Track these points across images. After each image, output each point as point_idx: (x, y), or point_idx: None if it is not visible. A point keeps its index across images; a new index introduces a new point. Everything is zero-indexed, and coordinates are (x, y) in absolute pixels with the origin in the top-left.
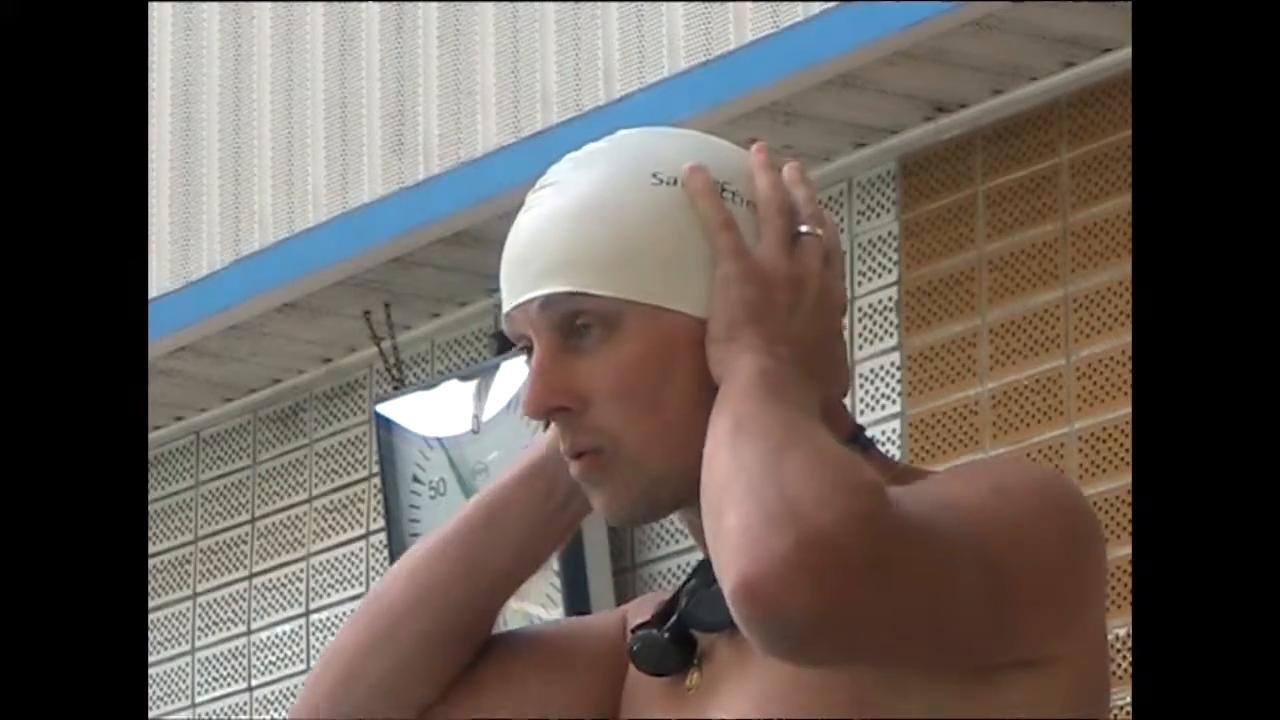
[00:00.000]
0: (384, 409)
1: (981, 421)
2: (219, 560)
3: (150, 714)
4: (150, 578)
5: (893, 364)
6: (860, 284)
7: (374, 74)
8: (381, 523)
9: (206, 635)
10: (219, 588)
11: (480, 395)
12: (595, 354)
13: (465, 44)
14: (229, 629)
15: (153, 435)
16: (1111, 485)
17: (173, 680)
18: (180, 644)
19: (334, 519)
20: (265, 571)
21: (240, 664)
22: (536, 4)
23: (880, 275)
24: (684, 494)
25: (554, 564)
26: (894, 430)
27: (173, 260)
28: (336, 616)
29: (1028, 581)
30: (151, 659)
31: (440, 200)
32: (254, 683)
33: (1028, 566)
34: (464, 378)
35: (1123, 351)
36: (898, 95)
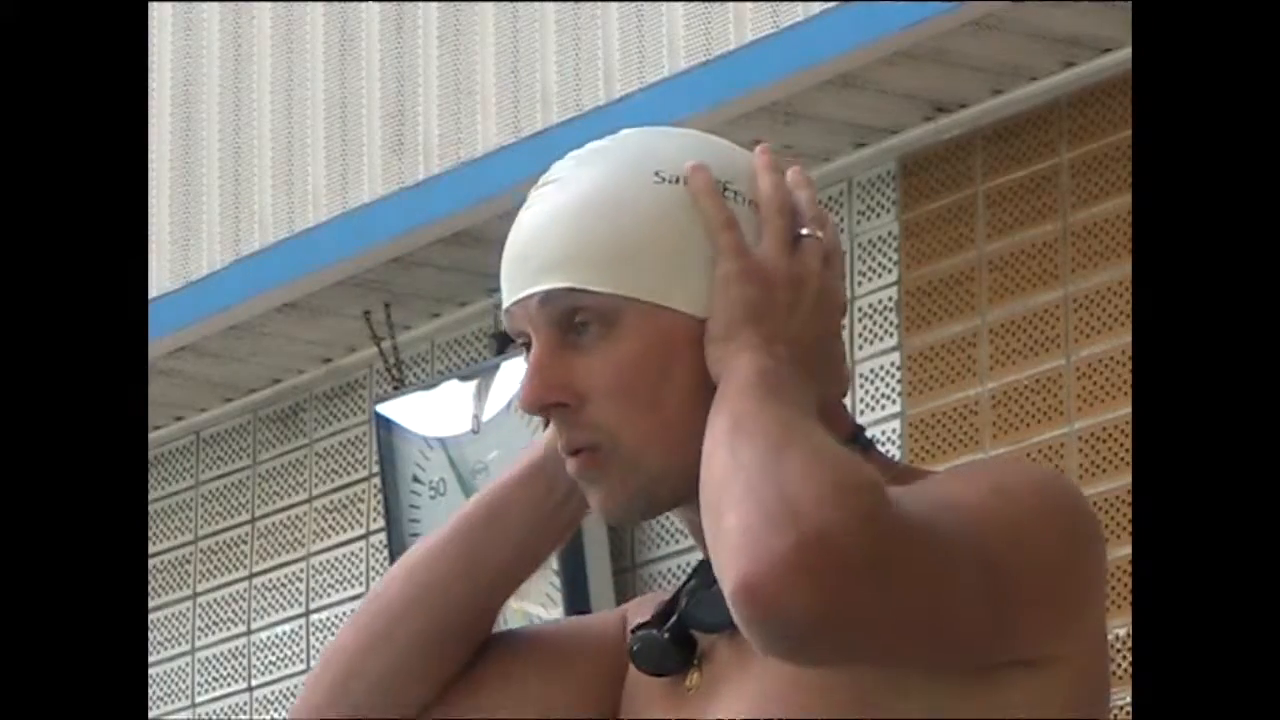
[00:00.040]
0: (384, 409)
1: (981, 421)
2: (219, 560)
3: (150, 714)
4: (150, 578)
5: (893, 364)
6: (860, 284)
7: (374, 74)
8: (381, 523)
9: (206, 635)
10: (219, 588)
11: (480, 395)
12: (593, 351)
13: (465, 44)
14: (229, 629)
15: (153, 435)
16: (1111, 485)
17: (173, 680)
18: (180, 644)
19: (334, 519)
20: (265, 571)
21: (240, 664)
22: (536, 4)
23: (880, 275)
24: (682, 492)
25: (554, 564)
26: (894, 430)
27: (173, 260)
28: (336, 616)
29: (1028, 581)
30: (151, 659)
31: (440, 200)
32: (254, 683)
33: (1028, 566)
34: (464, 378)
35: (1123, 351)
36: (898, 95)
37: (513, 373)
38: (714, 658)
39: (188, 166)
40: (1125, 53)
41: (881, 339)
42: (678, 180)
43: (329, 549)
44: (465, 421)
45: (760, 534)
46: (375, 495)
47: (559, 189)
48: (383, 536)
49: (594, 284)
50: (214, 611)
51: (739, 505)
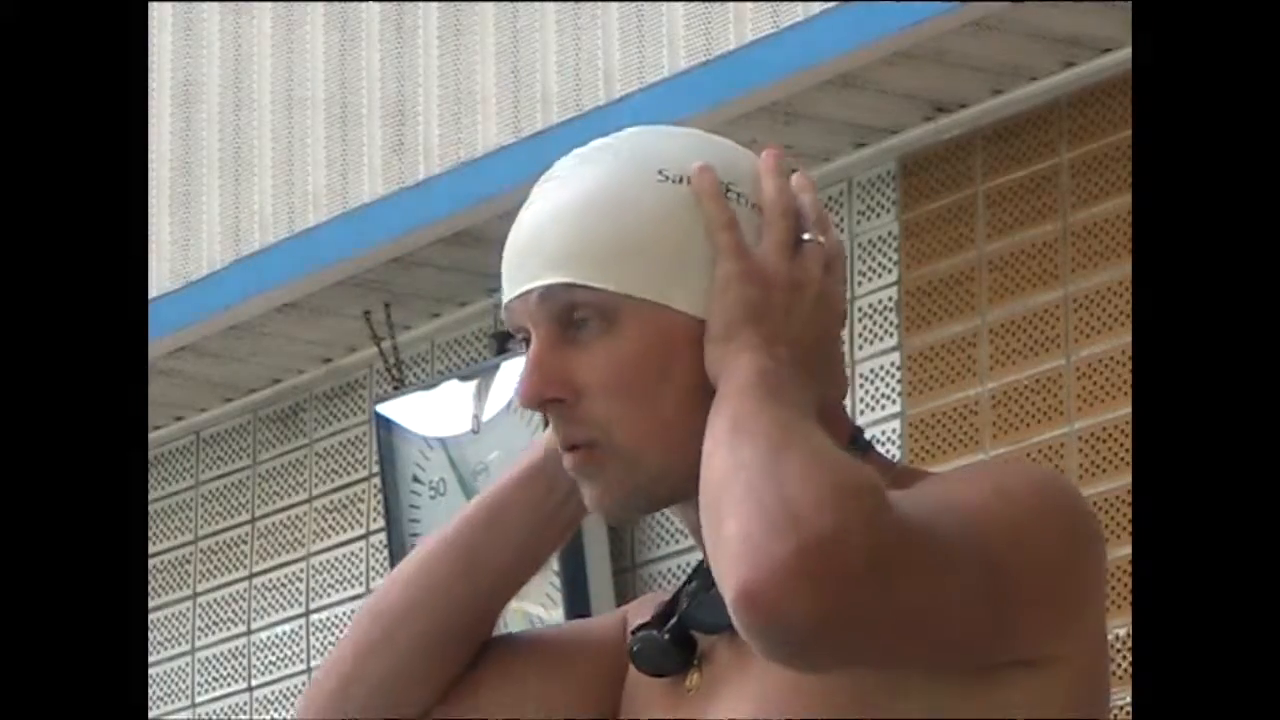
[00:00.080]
0: (384, 409)
1: (981, 421)
2: (219, 560)
3: (150, 714)
4: (150, 578)
5: (893, 364)
6: (860, 284)
7: (374, 74)
8: (381, 523)
9: (206, 635)
10: (219, 588)
11: (480, 395)
12: (592, 347)
13: (465, 44)
14: (229, 629)
15: (153, 435)
16: (1111, 485)
17: (173, 680)
18: (180, 644)
19: (334, 519)
20: (265, 571)
21: (240, 664)
22: (536, 4)
23: (880, 275)
24: (680, 491)
25: (554, 564)
26: (894, 430)
27: (173, 260)
28: (336, 616)
29: (1028, 581)
30: (151, 659)
31: (440, 200)
32: (254, 683)
33: (1028, 566)
34: (464, 378)
35: (1123, 351)
36: (898, 95)
37: (513, 373)
38: (714, 658)
39: (188, 166)
40: (1125, 53)
41: (881, 339)
42: (681, 180)
43: (329, 549)
44: (465, 421)
45: (760, 541)
46: (375, 495)
47: (562, 186)
48: (383, 536)
49: (594, 280)
50: (214, 611)
51: (738, 511)
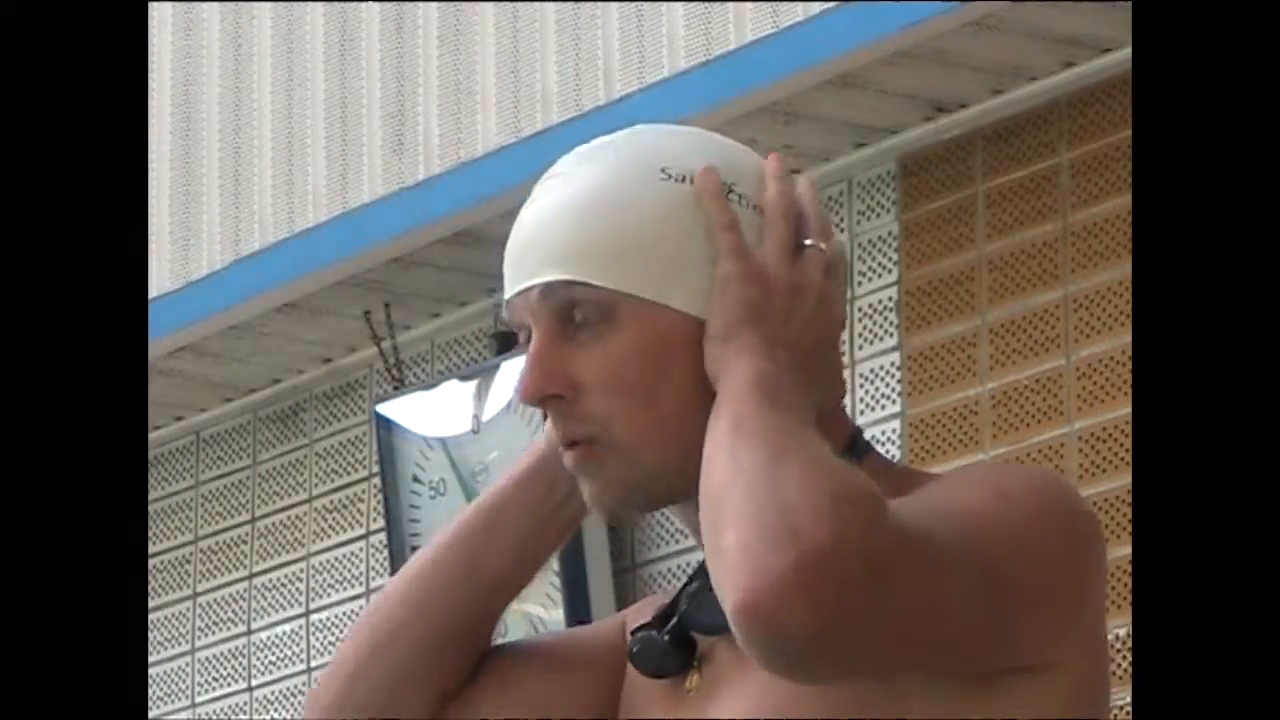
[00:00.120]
0: (384, 409)
1: (981, 421)
2: (219, 560)
3: (150, 714)
4: (150, 578)
5: (893, 364)
6: (860, 284)
7: (374, 74)
8: (381, 523)
9: (206, 635)
10: (219, 588)
11: (480, 395)
12: (592, 345)
13: (465, 44)
14: (229, 629)
15: (153, 435)
16: (1111, 485)
17: (173, 680)
18: (180, 644)
19: (334, 519)
20: (265, 571)
21: (240, 664)
22: (536, 4)
23: (880, 275)
24: (678, 490)
25: (554, 564)
26: (894, 430)
27: (173, 260)
28: (336, 616)
29: (1027, 585)
30: (151, 659)
31: (440, 200)
32: (254, 683)
33: (1027, 570)
34: (464, 378)
35: (1123, 351)
36: (898, 95)
37: (513, 373)
38: (714, 659)
39: (188, 166)
40: (1125, 53)
41: (881, 339)
42: (683, 179)
43: (329, 549)
44: (465, 421)
45: (759, 552)
46: (375, 495)
47: (564, 183)
48: (383, 536)
49: (594, 278)
50: (214, 611)
51: (737, 520)
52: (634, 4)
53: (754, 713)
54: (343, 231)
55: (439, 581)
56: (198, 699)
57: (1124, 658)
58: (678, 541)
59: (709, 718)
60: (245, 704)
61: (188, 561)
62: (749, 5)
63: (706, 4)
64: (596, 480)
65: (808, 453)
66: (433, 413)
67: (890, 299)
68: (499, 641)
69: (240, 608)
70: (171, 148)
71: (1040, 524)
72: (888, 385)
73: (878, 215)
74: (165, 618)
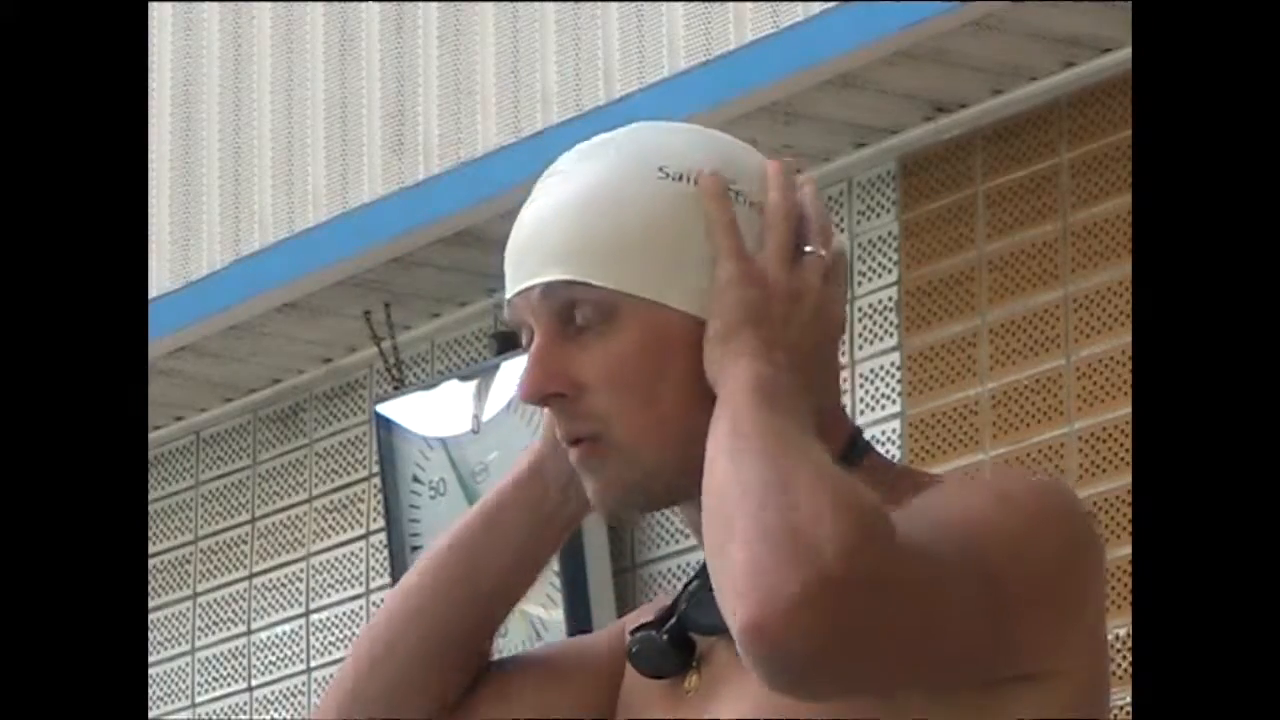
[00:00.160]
0: (384, 409)
1: (981, 421)
2: (219, 560)
3: (150, 714)
4: (150, 578)
5: (893, 364)
6: (860, 284)
7: (374, 74)
8: (381, 523)
9: (206, 635)
10: (219, 588)
11: (480, 395)
12: (592, 344)
13: (465, 44)
14: (229, 629)
15: (153, 435)
16: (1111, 485)
17: (173, 680)
18: (180, 644)
19: (334, 519)
20: (265, 571)
21: (240, 664)
22: (536, 4)
23: (880, 275)
24: (678, 489)
25: (554, 564)
26: (894, 430)
27: (173, 260)
28: (336, 616)
29: (1027, 592)
30: (151, 659)
31: (440, 200)
32: (254, 683)
33: (1027, 577)
34: (464, 378)
35: (1123, 351)
36: (898, 95)
37: (513, 373)
38: (713, 660)
39: (188, 166)
40: (1125, 53)
41: (881, 339)
42: (681, 177)
43: (329, 549)
44: (465, 421)
45: (768, 571)
46: (375, 495)
47: (564, 181)
48: (383, 536)
49: (594, 278)
50: (214, 611)
51: (745, 537)
52: (634, 4)
53: (753, 714)
54: (343, 231)
55: (438, 585)
56: (198, 699)
57: (1124, 658)
58: (678, 541)
59: (708, 718)
60: (245, 704)
61: (188, 561)
62: (749, 5)
63: (706, 4)
64: (599, 478)
65: (814, 465)
66: (433, 413)
67: (890, 299)
68: (499, 645)
69: (240, 608)
70: (171, 148)
71: (1039, 530)
72: (888, 385)
73: (878, 215)
74: (165, 618)
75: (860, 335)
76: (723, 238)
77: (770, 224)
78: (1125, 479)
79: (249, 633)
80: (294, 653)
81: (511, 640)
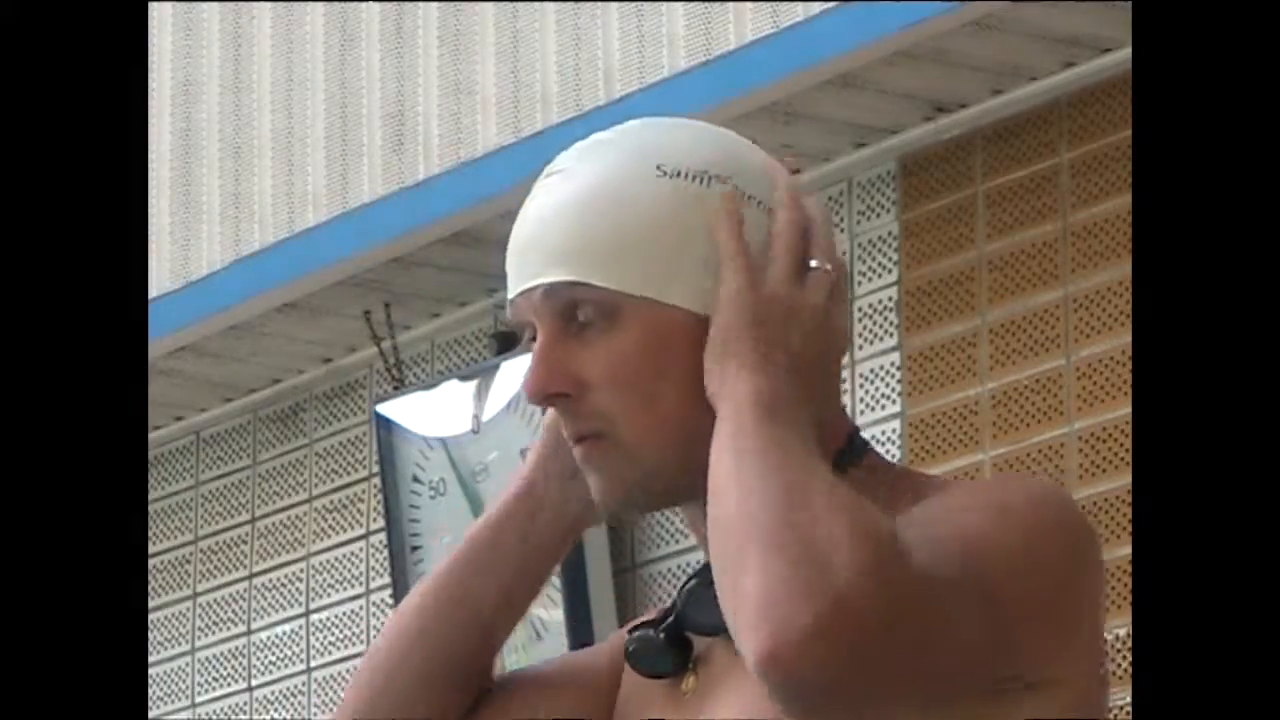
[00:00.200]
0: (384, 409)
1: (981, 421)
2: (219, 560)
3: (150, 714)
4: (150, 578)
5: (893, 364)
6: (860, 284)
7: (374, 74)
8: (381, 523)
9: (206, 635)
10: (219, 588)
11: (480, 395)
12: (595, 343)
13: (465, 44)
14: (229, 629)
15: (153, 435)
16: (1111, 485)
17: (173, 680)
18: (180, 644)
19: (334, 519)
20: (265, 571)
21: (240, 664)
22: (536, 4)
23: (880, 275)
24: (680, 488)
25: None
26: (894, 430)
27: (173, 260)
28: (336, 616)
29: (1027, 606)
30: (151, 659)
31: (440, 200)
32: (254, 683)
33: (1027, 591)
34: (464, 378)
35: (1123, 351)
36: (898, 95)
37: (512, 373)
38: (710, 661)
39: (188, 166)
40: (1125, 53)
41: (881, 339)
42: (680, 175)
43: (329, 549)
44: (465, 421)
45: (783, 601)
46: (375, 495)
47: (563, 180)
48: (383, 536)
49: (596, 278)
50: (214, 611)
51: (758, 566)
52: (634, 4)
53: (751, 714)
54: (343, 231)
55: (443, 603)
56: (198, 699)
57: (1124, 658)
58: (678, 541)
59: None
60: (245, 704)
61: (188, 561)
62: (749, 5)
63: (706, 4)
64: (604, 475)
65: (826, 491)
66: (433, 413)
67: (890, 299)
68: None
69: (240, 608)
70: (171, 148)
71: (1038, 542)
72: (888, 385)
73: (878, 215)
74: (165, 618)
75: (860, 335)
76: (731, 253)
77: (778, 239)
78: (1125, 479)
79: (249, 633)
80: (294, 653)
81: (512, 640)
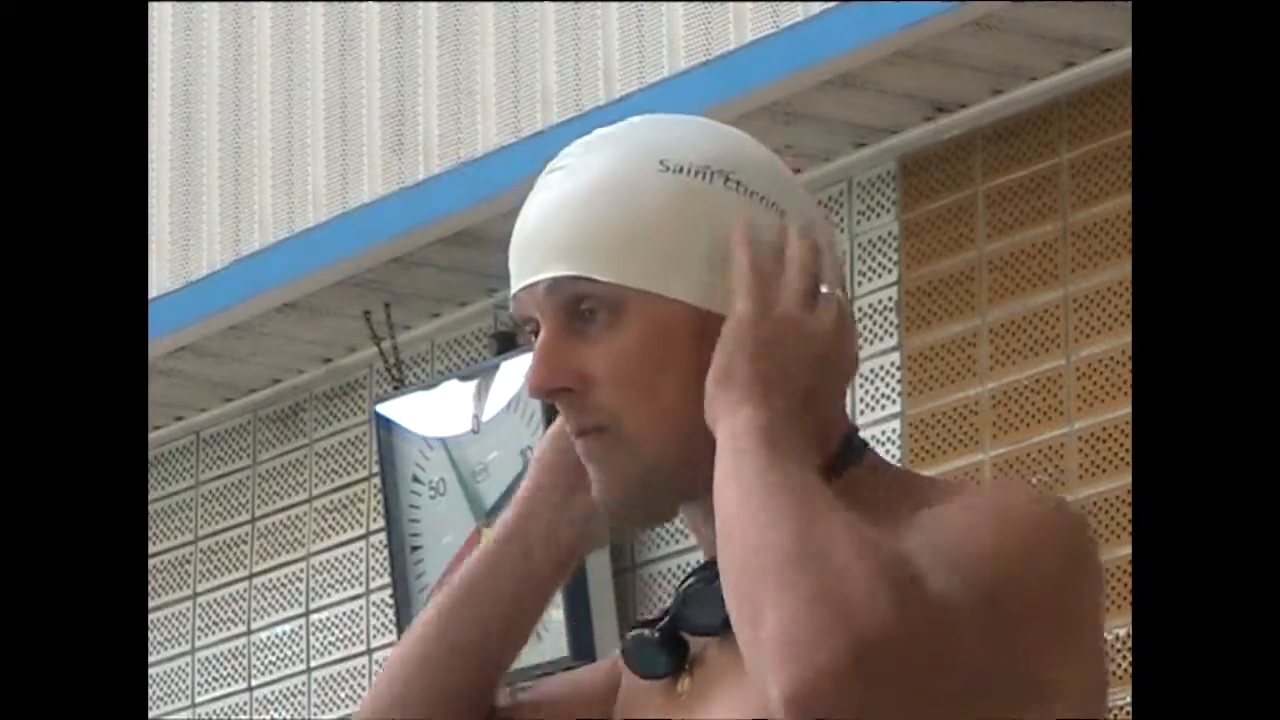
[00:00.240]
0: (384, 409)
1: (981, 421)
2: (219, 560)
3: (150, 714)
4: (150, 578)
5: (893, 364)
6: (860, 284)
7: (374, 74)
8: (381, 523)
9: (206, 635)
10: (219, 588)
11: (480, 395)
12: (599, 338)
13: (465, 44)
14: (229, 629)
15: (153, 435)
16: (1111, 485)
17: (173, 680)
18: (180, 644)
19: (334, 519)
20: (265, 571)
21: (240, 664)
22: (536, 4)
23: (880, 275)
24: (680, 484)
25: None
26: (894, 430)
27: (173, 260)
28: (336, 616)
29: (1028, 616)
30: (151, 659)
31: (440, 200)
32: (254, 683)
33: (1028, 602)
34: (464, 378)
35: (1123, 351)
36: (898, 95)
37: (513, 373)
38: (705, 661)
39: (188, 166)
40: (1125, 53)
41: (881, 339)
42: (683, 169)
43: (329, 549)
44: (465, 421)
45: (806, 640)
46: (375, 495)
47: (567, 175)
48: (383, 537)
49: (599, 273)
50: (214, 611)
51: (779, 603)
52: (634, 4)
53: (745, 716)
54: (343, 231)
55: (442, 633)
56: (198, 699)
57: (1124, 658)
58: (678, 541)
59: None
60: (245, 704)
61: (188, 561)
62: (749, 5)
63: (706, 4)
64: (604, 469)
65: (832, 521)
66: (433, 413)
67: (890, 299)
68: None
69: (240, 608)
70: (171, 148)
71: (1039, 553)
72: (888, 385)
73: (878, 215)
74: (165, 618)
75: (860, 335)
76: (745, 276)
77: (790, 265)
78: (1125, 479)
79: (249, 633)
80: (294, 653)
81: None
